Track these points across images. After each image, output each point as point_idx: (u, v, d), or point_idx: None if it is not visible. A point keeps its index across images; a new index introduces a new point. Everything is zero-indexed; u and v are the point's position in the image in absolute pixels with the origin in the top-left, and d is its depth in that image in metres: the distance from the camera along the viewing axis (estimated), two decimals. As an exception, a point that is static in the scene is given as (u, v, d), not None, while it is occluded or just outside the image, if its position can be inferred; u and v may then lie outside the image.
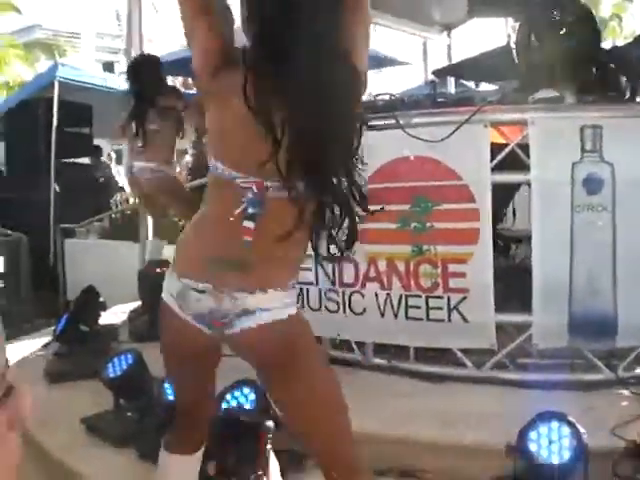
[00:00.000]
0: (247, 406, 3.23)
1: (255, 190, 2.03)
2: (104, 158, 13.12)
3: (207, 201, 2.21)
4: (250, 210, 2.02)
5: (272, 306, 2.12)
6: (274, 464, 2.62)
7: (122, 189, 11.99)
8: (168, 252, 5.95)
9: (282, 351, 2.15)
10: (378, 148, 3.91)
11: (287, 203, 2.00)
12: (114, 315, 5.79)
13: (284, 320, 2.14)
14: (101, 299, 5.35)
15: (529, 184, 3.88)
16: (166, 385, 3.40)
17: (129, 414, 3.78)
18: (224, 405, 3.25)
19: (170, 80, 9.03)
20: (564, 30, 4.43)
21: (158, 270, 5.43)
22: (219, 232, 2.11)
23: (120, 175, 12.82)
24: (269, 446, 0.82)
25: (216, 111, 2.13)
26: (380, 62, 11.85)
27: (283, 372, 2.18)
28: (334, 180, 2.02)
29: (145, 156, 5.88)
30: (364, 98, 2.27)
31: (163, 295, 2.23)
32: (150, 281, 5.42)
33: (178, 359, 2.32)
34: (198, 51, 2.12)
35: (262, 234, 2.01)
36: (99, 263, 8.21)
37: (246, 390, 3.25)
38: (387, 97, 4.40)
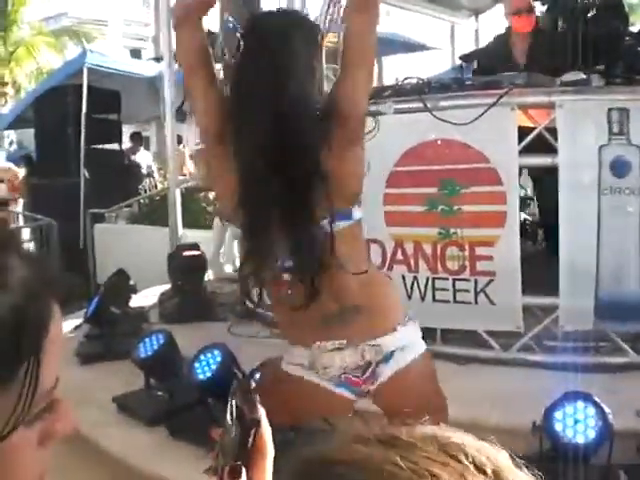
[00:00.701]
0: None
1: None
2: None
3: None
4: (286, 264, 2.02)
5: (406, 343, 2.12)
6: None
7: (150, 175, 12.05)
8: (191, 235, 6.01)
9: (422, 393, 2.15)
10: (405, 131, 3.92)
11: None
12: (144, 298, 5.84)
13: (421, 357, 2.15)
14: (131, 282, 5.41)
15: (556, 167, 3.88)
16: (196, 365, 3.44)
17: (159, 393, 3.83)
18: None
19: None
20: (592, 13, 4.42)
21: (186, 253, 5.51)
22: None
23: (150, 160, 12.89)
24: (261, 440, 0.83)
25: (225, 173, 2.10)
26: (409, 47, 11.85)
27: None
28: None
29: None
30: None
31: (283, 367, 2.18)
32: (180, 264, 5.49)
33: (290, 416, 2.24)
34: (199, 113, 2.12)
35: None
36: (128, 248, 8.26)
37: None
38: (414, 81, 4.39)
